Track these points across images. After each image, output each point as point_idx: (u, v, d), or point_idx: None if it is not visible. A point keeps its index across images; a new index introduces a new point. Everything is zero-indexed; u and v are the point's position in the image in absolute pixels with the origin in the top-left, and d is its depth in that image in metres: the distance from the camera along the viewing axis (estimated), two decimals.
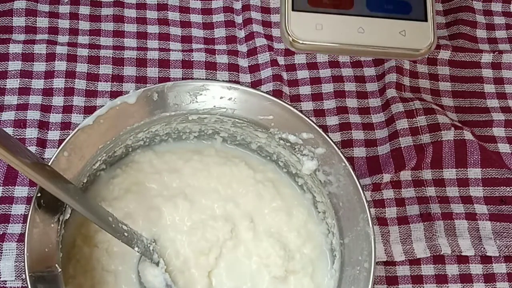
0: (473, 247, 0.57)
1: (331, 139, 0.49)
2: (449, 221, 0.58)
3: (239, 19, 0.66)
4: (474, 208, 0.59)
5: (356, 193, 0.48)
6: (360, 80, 0.64)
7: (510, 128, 0.63)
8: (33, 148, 0.57)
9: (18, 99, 0.59)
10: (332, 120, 0.62)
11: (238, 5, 0.66)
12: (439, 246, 0.57)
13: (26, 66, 0.61)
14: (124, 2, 0.65)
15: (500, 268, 0.57)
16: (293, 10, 0.35)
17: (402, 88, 0.63)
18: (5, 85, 0.60)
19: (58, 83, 0.60)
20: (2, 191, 0.55)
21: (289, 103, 0.50)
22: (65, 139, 0.47)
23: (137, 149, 0.53)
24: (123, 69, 0.62)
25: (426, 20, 0.36)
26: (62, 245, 0.45)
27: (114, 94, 0.61)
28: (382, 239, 0.57)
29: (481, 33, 0.68)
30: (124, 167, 0.52)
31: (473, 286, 0.56)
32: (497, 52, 0.66)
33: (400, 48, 0.36)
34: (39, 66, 0.61)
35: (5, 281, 0.53)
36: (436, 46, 0.65)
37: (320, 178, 0.49)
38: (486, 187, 0.60)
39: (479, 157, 0.60)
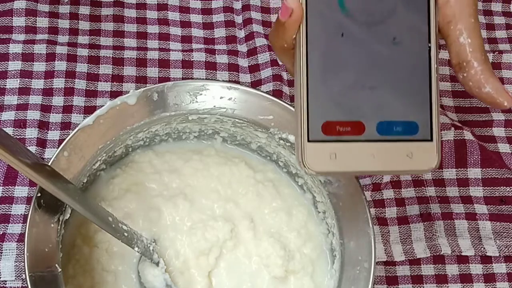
0: (473, 247, 0.57)
1: None
2: (449, 221, 0.58)
3: (239, 19, 0.66)
4: (474, 208, 0.59)
5: (356, 193, 0.48)
6: None
7: (510, 128, 0.63)
8: (33, 148, 0.57)
9: (18, 99, 0.59)
10: None
11: (238, 5, 0.66)
12: (439, 246, 0.57)
13: (26, 66, 0.61)
14: (124, 2, 0.65)
15: (500, 268, 0.57)
16: (308, 141, 0.36)
17: None
18: (5, 85, 0.60)
19: (58, 83, 0.60)
20: (2, 191, 0.55)
21: (289, 103, 0.50)
22: (65, 139, 0.47)
23: (137, 149, 0.53)
24: (123, 69, 0.62)
25: (431, 139, 0.36)
26: (62, 245, 0.45)
27: (114, 94, 0.61)
28: (382, 239, 0.57)
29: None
30: (124, 167, 0.52)
31: (473, 286, 0.56)
32: (497, 52, 0.66)
33: (407, 171, 0.37)
34: (39, 66, 0.61)
35: (5, 281, 0.53)
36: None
37: (320, 178, 0.49)
38: (486, 187, 0.60)
39: (479, 157, 0.60)
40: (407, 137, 0.36)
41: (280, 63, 0.63)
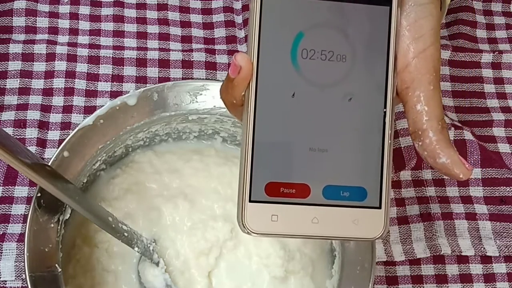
0: (473, 247, 0.57)
1: None
2: (449, 221, 0.58)
3: (239, 19, 0.66)
4: (474, 208, 0.59)
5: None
6: None
7: (510, 128, 0.63)
8: (33, 148, 0.57)
9: (18, 99, 0.59)
10: None
11: (238, 5, 0.66)
12: (439, 246, 0.57)
13: (26, 66, 0.61)
14: (124, 2, 0.65)
15: (500, 268, 0.57)
16: (250, 201, 0.34)
17: None
18: (5, 85, 0.60)
19: (58, 83, 0.60)
20: (2, 191, 0.55)
21: None
22: (65, 139, 0.47)
23: (137, 149, 0.53)
24: (123, 69, 0.62)
25: (380, 207, 0.35)
26: (62, 245, 0.45)
27: (114, 94, 0.61)
28: (382, 239, 0.57)
29: (481, 33, 0.68)
30: (124, 167, 0.52)
31: (473, 286, 0.56)
32: (497, 52, 0.66)
33: (351, 238, 0.36)
34: (39, 66, 0.61)
35: (5, 281, 0.53)
36: None
37: None
38: (486, 187, 0.60)
39: (479, 157, 0.60)
40: (354, 203, 0.35)
41: None
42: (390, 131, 0.35)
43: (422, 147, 0.36)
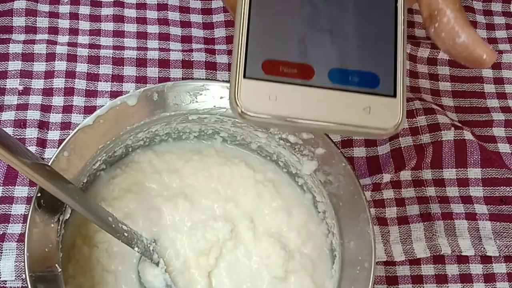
0: (473, 247, 0.57)
1: (331, 139, 0.49)
2: (449, 221, 0.58)
3: None
4: (474, 208, 0.59)
5: (356, 193, 0.48)
6: None
7: (510, 128, 0.63)
8: (33, 148, 0.57)
9: (18, 99, 0.59)
10: None
11: None
12: (439, 246, 0.57)
13: (26, 66, 0.61)
14: (124, 2, 0.65)
15: (500, 268, 0.57)
16: (244, 77, 0.31)
17: None
18: (5, 85, 0.60)
19: (58, 83, 0.60)
20: (2, 191, 0.55)
21: None
22: (65, 139, 0.47)
23: (137, 149, 0.53)
24: (123, 69, 0.62)
25: (395, 96, 0.32)
26: (62, 245, 0.45)
27: (114, 94, 0.61)
28: (382, 239, 0.57)
29: (481, 33, 0.68)
30: (124, 167, 0.52)
31: (473, 286, 0.56)
32: (497, 52, 0.66)
33: (364, 127, 0.31)
34: (39, 66, 0.61)
35: (5, 281, 0.53)
36: (436, 46, 0.65)
37: (320, 178, 0.49)
38: (486, 187, 0.60)
39: (479, 157, 0.60)
40: (365, 89, 0.31)
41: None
42: (403, 17, 0.33)
43: (439, 29, 0.33)
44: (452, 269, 0.57)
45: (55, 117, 0.59)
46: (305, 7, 0.32)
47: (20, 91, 0.59)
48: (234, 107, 0.31)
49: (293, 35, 0.32)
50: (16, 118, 0.58)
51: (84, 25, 0.64)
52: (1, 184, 0.56)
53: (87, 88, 0.61)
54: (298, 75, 0.31)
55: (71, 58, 0.61)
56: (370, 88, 0.32)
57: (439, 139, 0.60)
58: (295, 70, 0.31)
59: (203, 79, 0.62)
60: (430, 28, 0.34)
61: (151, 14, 0.65)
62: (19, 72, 0.60)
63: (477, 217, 0.59)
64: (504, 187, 0.60)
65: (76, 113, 0.59)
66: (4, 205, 0.55)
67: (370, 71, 0.32)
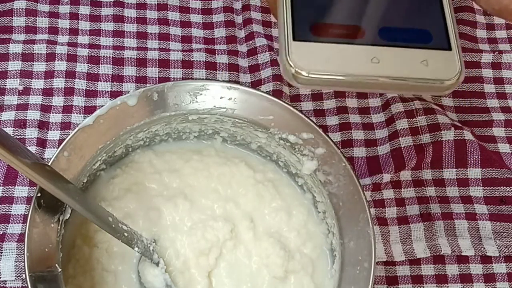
0: (473, 247, 0.57)
1: (331, 139, 0.49)
2: (449, 221, 0.58)
3: (239, 19, 0.66)
4: (474, 208, 0.59)
5: (356, 193, 0.48)
6: None
7: (510, 128, 0.63)
8: (33, 148, 0.57)
9: (18, 99, 0.59)
10: (332, 120, 0.62)
11: (238, 5, 0.66)
12: (439, 246, 0.57)
13: (26, 66, 0.61)
14: (124, 2, 0.65)
15: (500, 268, 0.57)
16: (294, 40, 0.31)
17: None
18: (5, 85, 0.60)
19: (58, 83, 0.60)
20: (2, 191, 0.55)
21: (289, 103, 0.50)
22: (65, 139, 0.47)
23: (137, 149, 0.53)
24: (123, 69, 0.62)
25: (450, 49, 0.32)
26: (62, 245, 0.45)
27: (114, 94, 0.61)
28: (382, 239, 0.57)
29: (481, 33, 0.68)
30: (124, 167, 0.52)
31: (473, 286, 0.56)
32: (497, 52, 0.66)
33: (423, 79, 0.31)
34: (39, 66, 0.61)
35: (5, 281, 0.53)
36: None
37: (320, 178, 0.49)
38: (486, 187, 0.60)
39: (479, 157, 0.60)
40: (419, 45, 0.31)
41: None
42: None
43: None
44: (452, 269, 0.57)
45: (55, 117, 0.59)
46: None
47: (20, 91, 0.59)
48: (287, 69, 0.30)
49: None
50: (16, 118, 0.58)
51: (84, 25, 0.64)
52: (1, 184, 0.56)
53: (87, 88, 0.61)
54: (349, 36, 0.31)
55: (71, 58, 0.61)
56: (424, 43, 0.32)
57: (439, 139, 0.60)
58: (345, 31, 0.31)
59: (203, 79, 0.62)
60: None
61: (151, 14, 0.65)
62: (19, 72, 0.60)
63: (477, 217, 0.59)
64: (504, 187, 0.60)
65: (76, 113, 0.59)
66: (4, 205, 0.55)
67: (422, 28, 0.32)
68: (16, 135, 0.58)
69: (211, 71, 0.63)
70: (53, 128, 0.59)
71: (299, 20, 0.31)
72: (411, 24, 0.32)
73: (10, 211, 0.55)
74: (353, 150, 0.61)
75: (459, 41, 0.32)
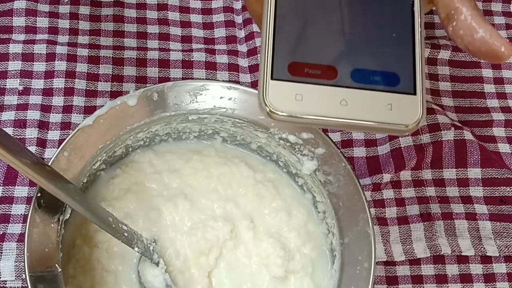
0: (473, 247, 0.57)
1: (331, 139, 0.49)
2: (449, 221, 0.58)
3: (239, 19, 0.66)
4: (474, 208, 0.59)
5: (356, 193, 0.48)
6: None
7: (510, 128, 0.63)
8: (33, 148, 0.57)
9: (18, 99, 0.59)
10: None
11: (238, 5, 0.66)
12: (439, 246, 0.57)
13: (26, 66, 0.61)
14: (124, 2, 0.65)
15: (500, 268, 0.57)
16: (272, 79, 0.33)
17: None
18: (5, 85, 0.60)
19: (58, 83, 0.60)
20: (2, 191, 0.55)
21: None
22: (65, 139, 0.47)
23: (137, 149, 0.53)
24: (123, 69, 0.62)
25: (415, 93, 0.33)
26: (62, 245, 0.45)
27: (114, 94, 0.61)
28: (382, 239, 0.57)
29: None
30: (124, 167, 0.52)
31: (473, 286, 0.56)
32: None
33: (386, 123, 0.33)
34: (39, 66, 0.61)
35: (5, 281, 0.53)
36: (436, 46, 0.65)
37: (320, 178, 0.49)
38: (486, 187, 0.60)
39: (479, 157, 0.60)
40: (386, 88, 0.33)
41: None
42: (419, 19, 0.35)
43: (456, 27, 0.35)
44: (452, 269, 0.57)
45: (55, 117, 0.59)
46: (327, 12, 0.34)
47: (20, 91, 0.59)
48: (263, 107, 0.33)
49: (316, 38, 0.34)
50: (16, 118, 0.58)
51: (84, 25, 0.64)
52: (1, 184, 0.56)
53: (87, 88, 0.61)
54: (322, 76, 0.33)
55: (71, 58, 0.61)
56: (391, 86, 0.33)
57: (439, 139, 0.60)
58: (319, 71, 0.33)
59: (203, 79, 0.62)
60: (448, 27, 0.35)
61: (151, 14, 0.65)
62: (19, 72, 0.60)
63: (477, 217, 0.59)
64: (504, 187, 0.60)
65: (76, 113, 0.59)
66: (4, 205, 0.55)
67: (391, 71, 0.34)
68: (16, 135, 0.58)
69: (211, 71, 0.63)
70: (53, 128, 0.59)
71: (278, 59, 0.33)
72: (382, 67, 0.34)
73: (10, 211, 0.55)
74: (353, 150, 0.61)
75: (424, 85, 0.34)
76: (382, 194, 0.59)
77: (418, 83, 0.34)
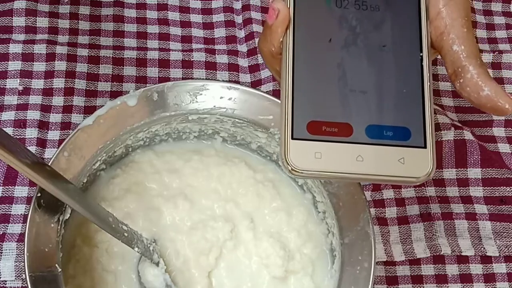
0: (473, 247, 0.57)
1: None
2: (449, 221, 0.58)
3: (239, 19, 0.66)
4: (474, 208, 0.59)
5: (356, 193, 0.48)
6: None
7: (510, 128, 0.63)
8: (33, 148, 0.57)
9: (18, 99, 0.59)
10: None
11: (238, 5, 0.66)
12: (439, 246, 0.57)
13: (26, 66, 0.61)
14: (124, 2, 0.65)
15: (500, 268, 0.57)
16: (292, 138, 0.35)
17: None
18: (5, 85, 0.60)
19: (58, 83, 0.60)
20: (2, 191, 0.55)
21: None
22: (65, 139, 0.47)
23: (137, 149, 0.53)
24: (123, 69, 0.62)
25: (425, 147, 0.35)
26: (62, 245, 0.45)
27: (114, 94, 0.61)
28: (382, 239, 0.57)
29: (481, 33, 0.68)
30: (124, 167, 0.52)
31: (473, 286, 0.56)
32: (497, 52, 0.66)
33: (399, 176, 0.35)
34: (39, 66, 0.61)
35: (5, 281, 0.53)
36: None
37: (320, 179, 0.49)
38: (486, 187, 0.60)
39: (479, 157, 0.60)
40: (399, 142, 0.35)
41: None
42: (428, 74, 0.36)
43: (464, 83, 0.37)
44: (452, 269, 0.57)
45: (55, 117, 0.59)
46: (341, 72, 0.36)
47: (20, 91, 0.59)
48: (285, 166, 0.35)
49: (332, 96, 0.36)
50: (16, 118, 0.58)
51: (84, 25, 0.64)
52: (1, 184, 0.56)
53: (87, 88, 0.61)
54: (338, 133, 0.35)
55: (71, 58, 0.61)
56: (403, 141, 0.35)
57: (439, 139, 0.60)
58: (336, 129, 0.35)
59: (203, 79, 0.62)
60: (455, 82, 0.37)
61: (151, 14, 0.65)
62: (19, 72, 0.60)
63: (477, 217, 0.59)
64: (504, 187, 0.60)
65: (76, 113, 0.59)
66: (4, 205, 0.55)
67: (402, 126, 0.36)
68: (16, 135, 0.58)
69: (211, 71, 0.63)
70: (53, 128, 0.59)
71: (297, 118, 0.35)
72: (394, 122, 0.36)
73: (10, 211, 0.55)
74: None
75: (434, 138, 0.35)
76: (382, 194, 0.59)
77: (428, 137, 0.35)
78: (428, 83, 0.36)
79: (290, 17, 0.37)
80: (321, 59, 0.36)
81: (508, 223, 0.58)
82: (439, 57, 0.39)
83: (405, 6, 0.37)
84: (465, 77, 0.37)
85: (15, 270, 0.53)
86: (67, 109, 0.59)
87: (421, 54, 0.37)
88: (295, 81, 0.36)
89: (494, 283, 0.57)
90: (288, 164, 0.35)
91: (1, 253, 0.53)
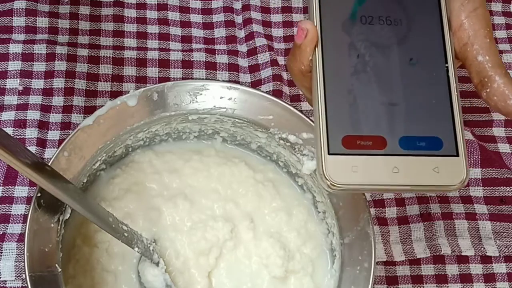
0: (473, 247, 0.57)
1: None
2: (449, 221, 0.58)
3: (239, 19, 0.66)
4: (474, 208, 0.59)
5: (356, 193, 0.48)
6: None
7: (510, 128, 0.63)
8: (33, 148, 0.57)
9: (18, 99, 0.59)
10: None
11: (238, 5, 0.66)
12: (439, 246, 0.57)
13: (26, 66, 0.61)
14: (124, 2, 0.65)
15: (500, 268, 0.57)
16: (329, 154, 0.36)
17: None
18: (5, 85, 0.60)
19: (58, 83, 0.60)
20: (2, 191, 0.55)
21: (289, 103, 0.50)
22: (65, 139, 0.47)
23: (137, 149, 0.53)
24: (123, 69, 0.62)
25: (457, 155, 0.36)
26: (62, 245, 0.45)
27: (114, 94, 0.61)
28: (382, 239, 0.57)
29: None
30: (124, 167, 0.52)
31: (473, 286, 0.56)
32: None
33: (435, 186, 0.36)
34: (39, 66, 0.61)
35: (5, 281, 0.53)
36: None
37: None
38: (486, 187, 0.60)
39: (479, 157, 0.60)
40: (432, 152, 0.36)
41: (280, 63, 0.64)
42: (455, 84, 0.37)
43: (490, 93, 0.37)
44: (452, 269, 0.57)
45: (55, 117, 0.59)
46: (371, 86, 0.37)
47: (20, 91, 0.59)
48: (324, 181, 0.35)
49: (364, 111, 0.37)
50: (16, 118, 0.58)
51: (84, 25, 0.64)
52: (1, 184, 0.56)
53: (87, 88, 0.61)
54: (373, 146, 0.36)
55: (71, 58, 0.61)
56: (436, 150, 0.36)
57: None
58: (370, 142, 0.36)
59: (203, 79, 0.62)
60: (482, 92, 0.38)
61: (151, 14, 0.65)
62: (19, 72, 0.60)
63: (477, 217, 0.59)
64: (504, 187, 0.60)
65: (76, 113, 0.59)
66: (4, 205, 0.55)
67: (434, 136, 0.36)
68: (16, 135, 0.58)
69: (211, 71, 0.63)
70: (53, 128, 0.59)
71: (332, 133, 0.36)
72: (426, 132, 0.37)
73: (10, 211, 0.55)
74: None
75: (465, 146, 0.36)
76: (382, 194, 0.59)
77: (460, 145, 0.36)
78: (456, 93, 0.37)
79: (318, 36, 0.38)
80: (350, 74, 0.37)
81: (508, 223, 0.58)
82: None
83: (427, 20, 0.38)
84: (492, 87, 0.37)
85: (15, 270, 0.53)
86: (67, 109, 0.59)
87: (446, 65, 0.38)
88: (327, 97, 0.37)
89: (494, 283, 0.57)
90: (327, 179, 0.35)
91: (1, 253, 0.53)
